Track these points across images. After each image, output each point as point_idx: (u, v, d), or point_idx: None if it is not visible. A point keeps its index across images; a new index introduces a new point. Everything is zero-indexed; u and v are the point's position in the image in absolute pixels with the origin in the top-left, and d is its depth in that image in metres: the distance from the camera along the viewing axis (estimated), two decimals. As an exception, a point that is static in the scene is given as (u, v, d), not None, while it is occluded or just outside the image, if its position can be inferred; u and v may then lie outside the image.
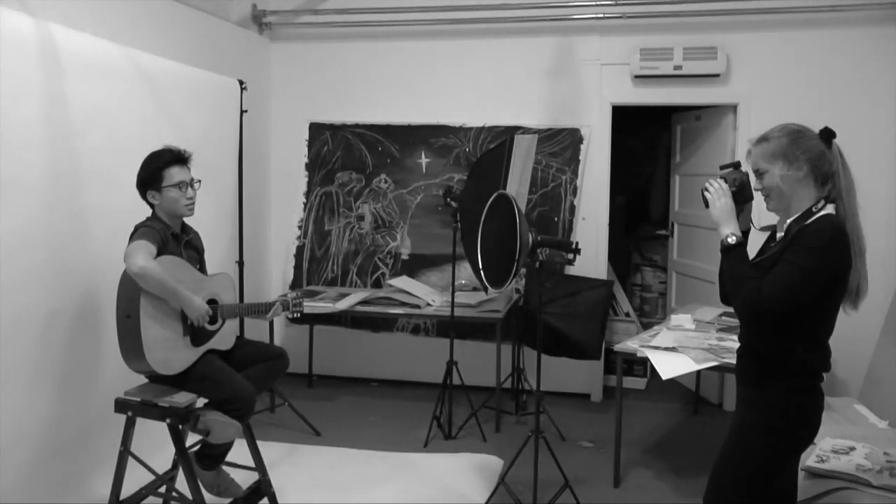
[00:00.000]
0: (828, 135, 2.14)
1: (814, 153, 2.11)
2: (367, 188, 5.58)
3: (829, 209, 2.11)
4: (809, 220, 2.10)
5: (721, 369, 3.51)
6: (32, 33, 3.11)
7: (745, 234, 2.28)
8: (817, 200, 2.12)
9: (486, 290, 4.75)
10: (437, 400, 4.62)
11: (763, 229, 2.26)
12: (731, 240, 2.15)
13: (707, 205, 2.23)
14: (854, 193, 2.12)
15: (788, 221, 2.16)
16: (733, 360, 2.37)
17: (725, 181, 2.22)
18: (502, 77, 5.33)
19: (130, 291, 2.85)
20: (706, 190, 2.24)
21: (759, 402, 2.19)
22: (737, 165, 2.25)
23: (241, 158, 4.71)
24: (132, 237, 2.91)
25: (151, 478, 3.16)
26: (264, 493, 3.35)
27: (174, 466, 3.35)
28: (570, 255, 3.47)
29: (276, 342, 5.26)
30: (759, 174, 2.18)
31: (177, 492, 3.21)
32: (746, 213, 2.28)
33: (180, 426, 2.96)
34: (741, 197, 2.21)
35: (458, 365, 4.61)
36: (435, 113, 5.44)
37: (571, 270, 5.10)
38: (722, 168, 2.28)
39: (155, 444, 3.52)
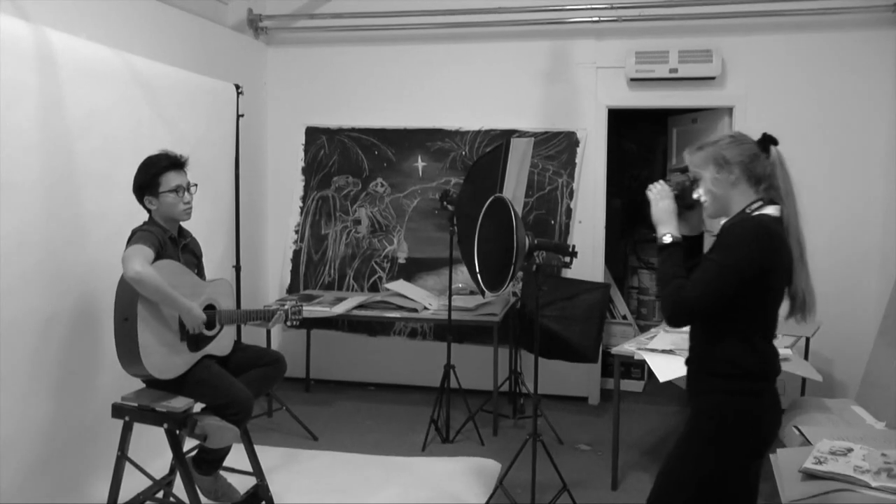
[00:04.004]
0: (766, 141, 2.14)
1: (745, 156, 2.11)
2: (364, 192, 5.58)
3: (770, 210, 2.09)
4: (739, 219, 2.10)
5: (718, 371, 3.50)
6: (28, 38, 3.10)
7: (699, 238, 2.28)
8: (754, 201, 2.11)
9: (482, 293, 4.76)
10: (434, 404, 4.62)
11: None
12: (666, 239, 2.16)
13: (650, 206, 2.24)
14: (794, 197, 2.10)
15: (722, 222, 2.16)
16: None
17: (669, 183, 2.23)
18: (498, 81, 5.34)
19: (128, 295, 2.85)
20: (649, 191, 2.25)
21: (699, 409, 2.16)
22: (684, 170, 2.25)
23: (237, 163, 4.71)
24: (130, 241, 2.91)
25: (149, 483, 3.15)
26: (262, 497, 3.35)
27: (172, 471, 3.34)
28: (567, 258, 3.48)
29: (274, 346, 5.26)
30: (696, 182, 2.19)
31: (174, 497, 3.20)
32: (696, 218, 2.27)
33: (178, 431, 2.96)
34: (681, 201, 2.21)
35: (456, 368, 4.61)
36: (431, 117, 5.45)
37: (568, 273, 5.11)
38: (670, 170, 2.29)
39: (152, 449, 3.51)
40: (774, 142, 2.14)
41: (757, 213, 2.08)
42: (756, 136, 2.24)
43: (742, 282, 2.00)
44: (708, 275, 2.03)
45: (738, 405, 2.08)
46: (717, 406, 2.10)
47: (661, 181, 2.25)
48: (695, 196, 2.21)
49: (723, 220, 2.17)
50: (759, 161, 2.12)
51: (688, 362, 2.24)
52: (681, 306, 2.05)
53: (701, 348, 2.16)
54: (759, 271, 2.01)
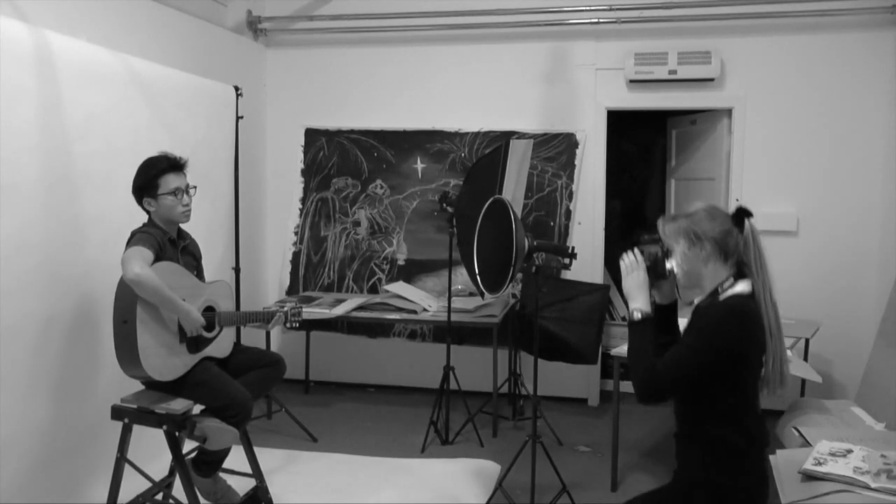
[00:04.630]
0: (741, 214, 2.13)
1: (717, 232, 2.10)
2: (363, 194, 5.58)
3: (742, 286, 2.09)
4: (712, 300, 2.10)
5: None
6: (27, 40, 3.11)
7: (671, 307, 2.29)
8: (725, 279, 2.11)
9: (482, 295, 4.76)
10: (434, 405, 4.62)
11: (691, 304, 2.24)
12: (637, 315, 2.16)
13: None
14: (767, 270, 2.10)
15: (696, 301, 2.16)
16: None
17: (642, 253, 2.22)
18: (497, 82, 5.34)
19: (127, 297, 2.85)
20: (622, 261, 2.23)
21: (685, 479, 2.16)
22: (657, 240, 2.23)
23: (237, 164, 4.71)
24: (129, 243, 2.91)
25: (148, 485, 3.15)
26: (261, 499, 3.35)
27: (171, 473, 3.34)
28: (567, 260, 3.48)
29: (273, 348, 5.25)
30: (669, 252, 2.19)
31: (174, 499, 3.20)
32: (669, 287, 2.26)
33: (177, 433, 2.96)
34: (654, 273, 2.20)
35: (455, 370, 4.61)
36: (430, 118, 5.45)
37: (567, 275, 5.10)
38: (642, 240, 2.27)
39: (152, 451, 3.52)
40: (749, 214, 2.13)
41: (729, 291, 2.09)
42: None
43: (714, 364, 2.01)
44: (680, 358, 2.05)
45: (726, 479, 2.08)
46: (704, 478, 2.10)
47: (634, 250, 2.24)
48: (668, 266, 2.19)
49: (696, 293, 2.17)
50: (732, 236, 2.11)
51: (675, 437, 2.24)
52: (652, 388, 2.07)
53: (687, 427, 2.17)
54: (733, 355, 2.01)
